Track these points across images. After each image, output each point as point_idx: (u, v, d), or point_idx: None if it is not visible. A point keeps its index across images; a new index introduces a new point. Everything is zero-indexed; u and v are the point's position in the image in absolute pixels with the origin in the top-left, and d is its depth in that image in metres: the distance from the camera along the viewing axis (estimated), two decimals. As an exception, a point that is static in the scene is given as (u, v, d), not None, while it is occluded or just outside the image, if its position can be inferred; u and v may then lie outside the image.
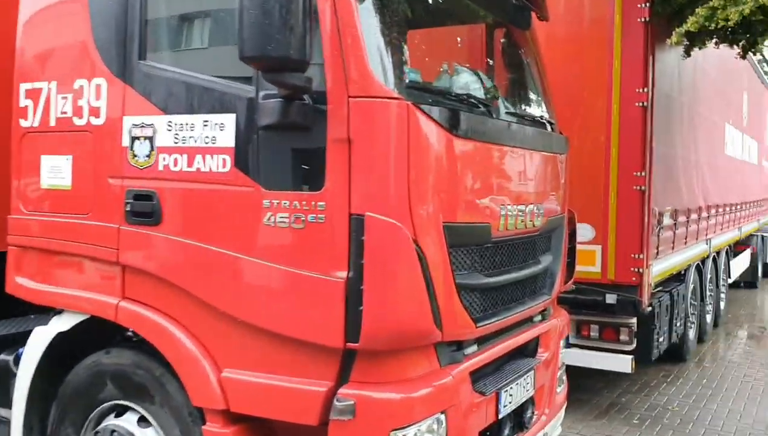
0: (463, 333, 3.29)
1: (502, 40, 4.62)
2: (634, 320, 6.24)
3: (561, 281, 4.60)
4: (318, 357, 2.95)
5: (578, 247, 6.00)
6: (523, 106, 4.55)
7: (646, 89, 5.88)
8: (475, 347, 3.47)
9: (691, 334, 8.73)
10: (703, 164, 8.56)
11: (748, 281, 15.22)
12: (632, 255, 5.99)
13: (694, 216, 8.00)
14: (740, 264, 13.12)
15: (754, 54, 8.80)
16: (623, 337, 6.22)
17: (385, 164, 2.83)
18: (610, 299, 6.08)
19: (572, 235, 4.87)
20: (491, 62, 4.47)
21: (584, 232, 6.09)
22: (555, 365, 4.54)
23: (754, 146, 13.56)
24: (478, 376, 3.55)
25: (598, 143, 6.06)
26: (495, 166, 3.51)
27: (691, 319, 8.72)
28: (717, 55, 9.09)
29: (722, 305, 11.05)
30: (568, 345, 6.37)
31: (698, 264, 8.86)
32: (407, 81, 3.01)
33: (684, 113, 7.55)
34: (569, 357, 6.25)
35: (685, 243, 7.69)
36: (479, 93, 3.62)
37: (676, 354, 8.37)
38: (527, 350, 4.28)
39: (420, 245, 2.89)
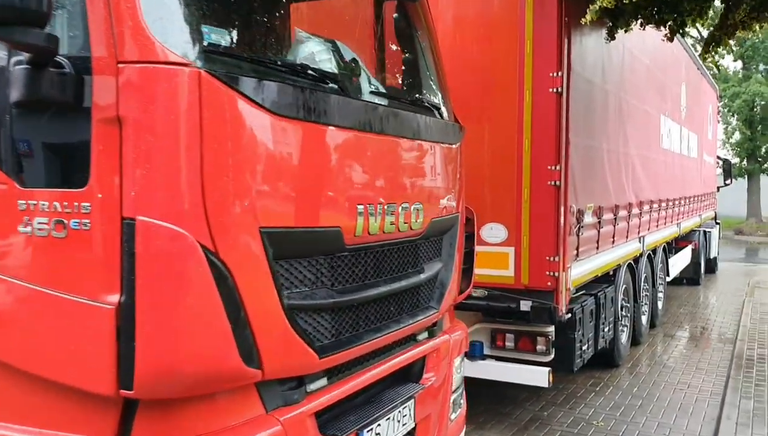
0: (300, 367, 2.62)
1: (380, 10, 3.96)
2: (552, 329, 5.67)
3: (454, 291, 3.98)
4: (92, 407, 2.24)
5: (490, 249, 5.43)
6: (400, 87, 3.90)
7: (560, 73, 5.30)
8: (323, 382, 2.81)
9: (624, 338, 8.25)
10: (635, 158, 8.07)
11: (690, 278, 14.98)
12: (547, 258, 5.41)
13: (623, 213, 7.49)
14: (680, 261, 12.79)
15: (683, 36, 8.36)
16: (540, 347, 5.65)
17: (166, 151, 2.13)
18: (525, 305, 5.50)
19: (470, 237, 4.24)
20: (363, 34, 3.79)
21: (496, 232, 5.50)
22: (447, 389, 3.91)
23: (694, 140, 13.24)
24: (332, 415, 2.89)
25: (510, 134, 5.47)
26: (347, 156, 2.84)
27: (623, 322, 8.23)
28: (652, 44, 8.65)
29: (660, 304, 10.64)
30: (483, 357, 5.78)
31: (630, 263, 8.39)
32: (205, 44, 2.31)
33: (611, 103, 7.03)
34: (482, 370, 5.66)
35: (613, 242, 7.17)
36: (330, 66, 2.94)
37: (607, 360, 7.88)
38: (411, 374, 3.64)
39: (222, 258, 2.21)
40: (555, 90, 5.31)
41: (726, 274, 17.65)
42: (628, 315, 8.44)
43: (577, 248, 5.87)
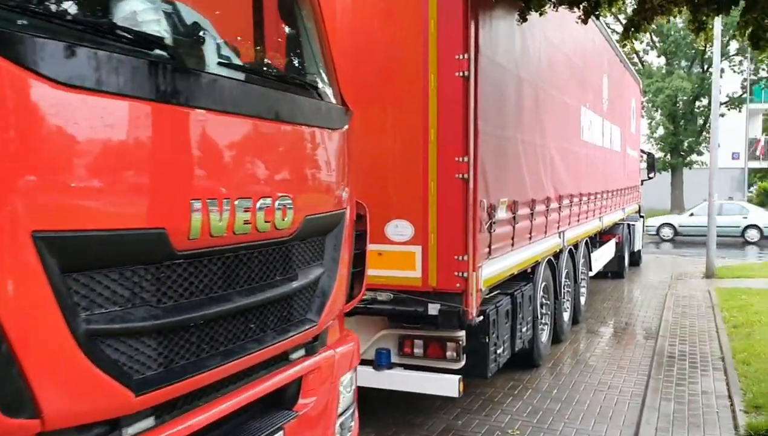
0: (108, 409, 2.05)
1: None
2: (463, 333, 5.24)
3: (341, 300, 3.47)
4: None
5: (396, 248, 4.96)
6: (267, 62, 3.36)
7: (466, 56, 4.85)
8: (149, 422, 2.25)
9: (544, 336, 7.93)
10: (553, 150, 7.75)
11: (614, 272, 14.95)
12: (456, 257, 4.97)
13: (540, 208, 7.15)
14: (604, 255, 12.66)
15: (597, 18, 8.08)
16: (450, 353, 5.21)
17: None
18: (433, 309, 5.04)
19: (361, 236, 3.74)
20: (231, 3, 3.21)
21: (402, 230, 5.03)
22: (331, 412, 3.40)
23: (617, 132, 13.14)
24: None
25: (415, 122, 4.99)
26: (174, 139, 2.28)
27: (543, 320, 7.92)
28: (571, 35, 8.36)
29: (583, 300, 10.43)
30: (390, 365, 5.30)
31: (550, 259, 8.07)
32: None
33: (526, 92, 6.66)
34: (389, 381, 5.18)
35: (530, 238, 6.81)
36: (158, 29, 2.37)
37: (527, 360, 7.55)
38: (284, 400, 3.11)
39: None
40: (461, 74, 4.86)
41: (650, 266, 17.80)
42: (549, 313, 8.14)
43: (490, 246, 5.45)
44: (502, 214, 5.76)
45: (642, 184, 20.05)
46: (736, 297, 11.50)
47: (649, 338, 9.18)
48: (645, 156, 19.83)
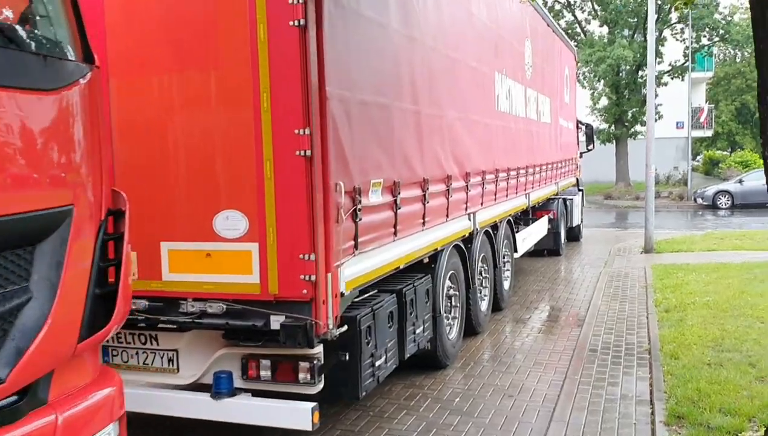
0: None
1: None
2: (319, 350, 4.23)
3: (64, 337, 2.42)
4: None
5: (227, 246, 3.92)
6: None
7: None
8: None
9: (453, 332, 7.02)
10: (456, 122, 6.76)
11: (550, 249, 14.21)
12: (300, 256, 3.95)
13: (438, 187, 6.17)
14: (534, 233, 11.84)
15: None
16: (303, 375, 4.20)
17: None
18: (276, 322, 4.02)
19: (118, 240, 2.70)
20: None
21: (234, 223, 4.00)
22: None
23: (546, 102, 12.25)
24: None
25: (243, 86, 3.93)
26: None
27: (452, 314, 7.00)
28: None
29: (507, 284, 9.56)
30: (232, 392, 4.28)
31: (459, 245, 7.14)
32: None
33: (415, 54, 5.63)
34: (229, 412, 4.16)
35: (424, 224, 5.82)
36: None
37: (431, 362, 6.63)
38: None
39: None
40: (296, 23, 3.81)
41: (591, 241, 17.13)
42: (460, 305, 7.22)
43: (356, 238, 4.44)
44: (375, 198, 4.75)
45: (581, 156, 19.39)
46: (672, 275, 10.78)
47: (575, 327, 8.35)
48: (584, 127, 19.06)
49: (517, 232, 10.43)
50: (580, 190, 17.64)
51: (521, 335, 8.09)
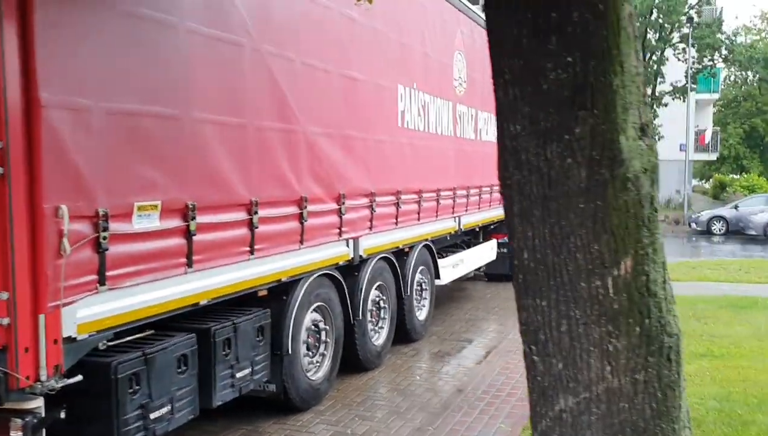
0: None
1: None
2: (38, 404, 3.56)
3: None
4: None
5: None
6: None
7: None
8: None
9: (321, 372, 6.33)
10: (320, 138, 6.08)
11: (507, 275, 13.44)
12: (-9, 295, 3.30)
13: (280, 211, 5.50)
14: (473, 258, 11.10)
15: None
16: (15, 433, 3.53)
17: None
18: (-29, 372, 3.36)
19: None
20: None
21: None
22: None
23: (487, 120, 11.55)
24: None
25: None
26: None
27: (321, 350, 6.32)
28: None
29: (421, 315, 8.82)
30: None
31: (334, 275, 6.46)
32: None
33: (240, 61, 5.00)
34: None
35: (252, 253, 5.13)
36: None
37: (282, 405, 5.95)
38: None
39: None
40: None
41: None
42: (332, 340, 6.52)
43: (100, 272, 3.77)
44: (146, 223, 4.09)
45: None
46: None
47: (479, 363, 7.61)
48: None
49: (445, 257, 9.73)
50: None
51: (415, 373, 7.36)
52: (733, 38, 32.18)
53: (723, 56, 32.22)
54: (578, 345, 2.47)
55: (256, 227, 5.14)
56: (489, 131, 11.41)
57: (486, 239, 12.42)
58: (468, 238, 11.96)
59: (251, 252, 5.14)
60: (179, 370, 4.46)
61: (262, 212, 5.20)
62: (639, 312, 2.44)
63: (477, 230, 11.55)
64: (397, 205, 7.73)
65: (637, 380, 2.46)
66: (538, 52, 2.40)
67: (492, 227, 12.62)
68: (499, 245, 13.01)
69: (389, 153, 7.57)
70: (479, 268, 12.17)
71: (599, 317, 2.44)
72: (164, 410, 4.32)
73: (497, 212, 11.95)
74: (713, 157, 40.56)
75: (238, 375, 5.08)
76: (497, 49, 2.55)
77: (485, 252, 11.89)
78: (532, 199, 2.50)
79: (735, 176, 44.28)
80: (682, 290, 11.42)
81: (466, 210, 10.30)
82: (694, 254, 19.93)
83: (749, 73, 41.98)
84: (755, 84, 43.69)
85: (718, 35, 31.11)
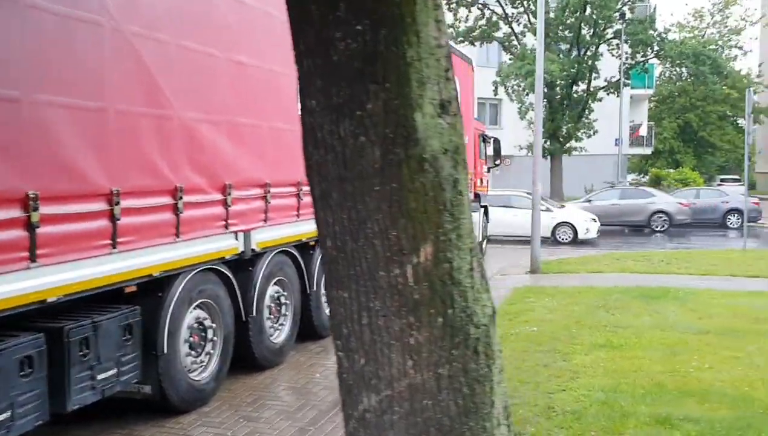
0: None
1: None
2: None
3: None
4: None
5: None
6: None
7: None
8: None
9: (208, 371, 6.05)
10: (200, 125, 5.78)
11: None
12: None
13: (149, 201, 5.19)
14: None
15: None
16: None
17: None
18: None
19: None
20: None
21: None
22: None
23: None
24: None
25: None
26: None
27: (207, 349, 6.02)
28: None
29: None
30: None
31: (219, 269, 6.18)
32: None
33: (84, 39, 4.67)
34: None
35: (114, 246, 4.82)
36: None
37: (160, 407, 5.65)
38: None
39: None
40: None
41: (495, 259, 16.28)
42: (219, 338, 6.24)
43: None
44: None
45: (488, 171, 18.67)
46: (526, 299, 9.94)
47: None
48: (491, 142, 18.34)
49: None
50: (482, 206, 16.89)
51: (316, 371, 7.13)
52: (665, 35, 32.77)
53: (655, 52, 32.79)
54: (379, 339, 2.28)
55: (118, 219, 4.82)
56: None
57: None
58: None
59: (113, 245, 4.83)
60: (22, 373, 4.14)
61: (126, 203, 4.88)
62: (442, 302, 2.26)
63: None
64: (299, 196, 7.49)
65: (441, 374, 2.28)
66: (328, 20, 2.19)
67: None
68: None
69: (289, 142, 7.28)
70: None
71: (399, 308, 2.25)
72: (2, 416, 3.99)
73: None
74: (648, 151, 41.46)
75: (100, 377, 4.76)
76: (293, 17, 2.34)
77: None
78: (330, 180, 2.30)
79: (671, 170, 45.38)
80: (601, 282, 11.53)
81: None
82: (631, 247, 20.22)
83: (683, 69, 42.95)
84: (689, 80, 44.77)
85: (651, 32, 31.62)
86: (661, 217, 24.06)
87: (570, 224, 20.44)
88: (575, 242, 20.15)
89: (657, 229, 23.94)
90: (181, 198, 5.49)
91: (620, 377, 5.93)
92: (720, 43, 46.62)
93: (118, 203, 4.81)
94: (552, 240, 20.04)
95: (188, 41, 5.61)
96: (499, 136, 19.86)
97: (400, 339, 2.26)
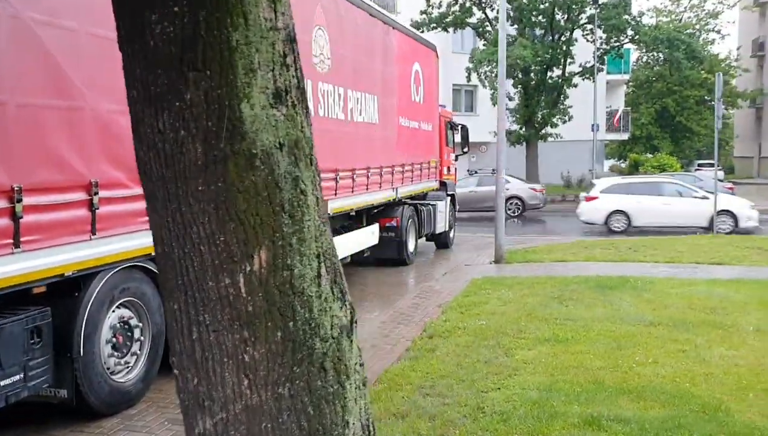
0: None
1: None
2: None
3: None
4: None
5: None
6: None
7: None
8: None
9: (135, 371, 5.80)
10: (119, 117, 5.50)
11: (395, 259, 13.18)
12: None
13: (63, 197, 4.93)
14: (346, 244, 10.70)
15: None
16: None
17: None
18: None
19: None
20: None
21: None
22: None
23: (369, 100, 11.16)
24: None
25: None
26: None
27: (133, 350, 5.78)
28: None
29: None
30: None
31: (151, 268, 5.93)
32: None
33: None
34: None
35: (18, 246, 4.56)
36: None
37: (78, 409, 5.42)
38: None
39: None
40: None
41: (463, 248, 16.13)
42: (147, 338, 6.00)
43: None
44: None
45: (456, 159, 18.44)
46: (481, 291, 9.74)
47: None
48: (459, 129, 18.09)
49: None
50: (449, 195, 16.66)
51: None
52: (639, 19, 32.64)
53: (629, 37, 32.66)
54: (210, 356, 2.06)
55: (20, 217, 4.56)
56: (363, 111, 11.01)
57: (370, 223, 12.13)
58: (349, 222, 11.64)
59: (16, 245, 4.56)
60: None
61: (29, 200, 4.61)
62: (281, 314, 2.04)
63: (352, 214, 11.15)
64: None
65: (281, 394, 2.06)
66: (144, 1, 1.95)
67: (375, 211, 12.34)
68: (386, 230, 12.78)
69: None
70: (361, 252, 11.83)
71: (232, 322, 2.03)
72: None
73: (377, 196, 11.61)
74: (624, 136, 41.42)
75: (2, 383, 4.52)
76: (113, 2, 2.10)
77: (364, 237, 11.55)
78: (154, 180, 2.07)
79: (649, 155, 45.42)
80: (563, 271, 11.37)
81: (336, 194, 9.87)
82: (600, 234, 20.11)
83: (660, 54, 42.95)
84: (666, 65, 44.78)
85: (625, 16, 31.44)
86: (515, 202, 25.65)
87: (731, 212, 19.02)
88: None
89: (511, 214, 24.93)
90: (96, 193, 5.23)
91: (559, 373, 5.74)
92: (697, 27, 46.73)
93: (20, 201, 4.54)
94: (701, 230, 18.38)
95: (101, 29, 5.31)
96: (475, 123, 19.65)
97: (234, 356, 2.04)
